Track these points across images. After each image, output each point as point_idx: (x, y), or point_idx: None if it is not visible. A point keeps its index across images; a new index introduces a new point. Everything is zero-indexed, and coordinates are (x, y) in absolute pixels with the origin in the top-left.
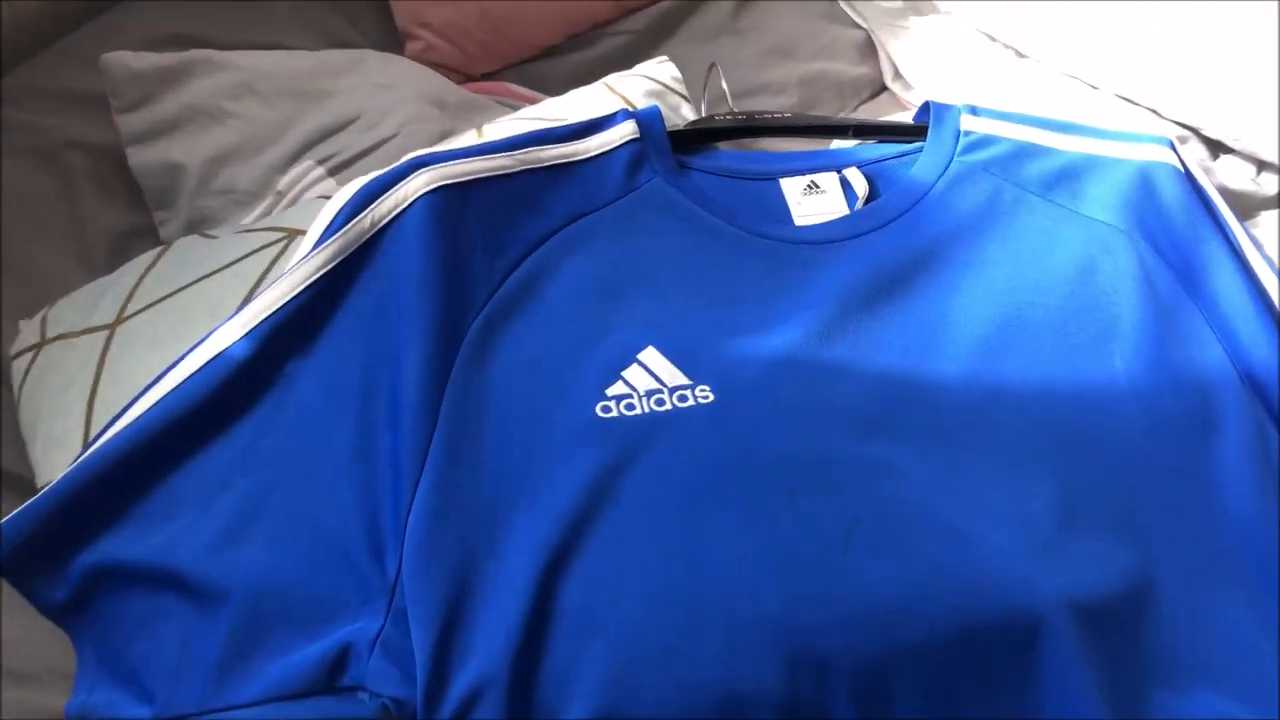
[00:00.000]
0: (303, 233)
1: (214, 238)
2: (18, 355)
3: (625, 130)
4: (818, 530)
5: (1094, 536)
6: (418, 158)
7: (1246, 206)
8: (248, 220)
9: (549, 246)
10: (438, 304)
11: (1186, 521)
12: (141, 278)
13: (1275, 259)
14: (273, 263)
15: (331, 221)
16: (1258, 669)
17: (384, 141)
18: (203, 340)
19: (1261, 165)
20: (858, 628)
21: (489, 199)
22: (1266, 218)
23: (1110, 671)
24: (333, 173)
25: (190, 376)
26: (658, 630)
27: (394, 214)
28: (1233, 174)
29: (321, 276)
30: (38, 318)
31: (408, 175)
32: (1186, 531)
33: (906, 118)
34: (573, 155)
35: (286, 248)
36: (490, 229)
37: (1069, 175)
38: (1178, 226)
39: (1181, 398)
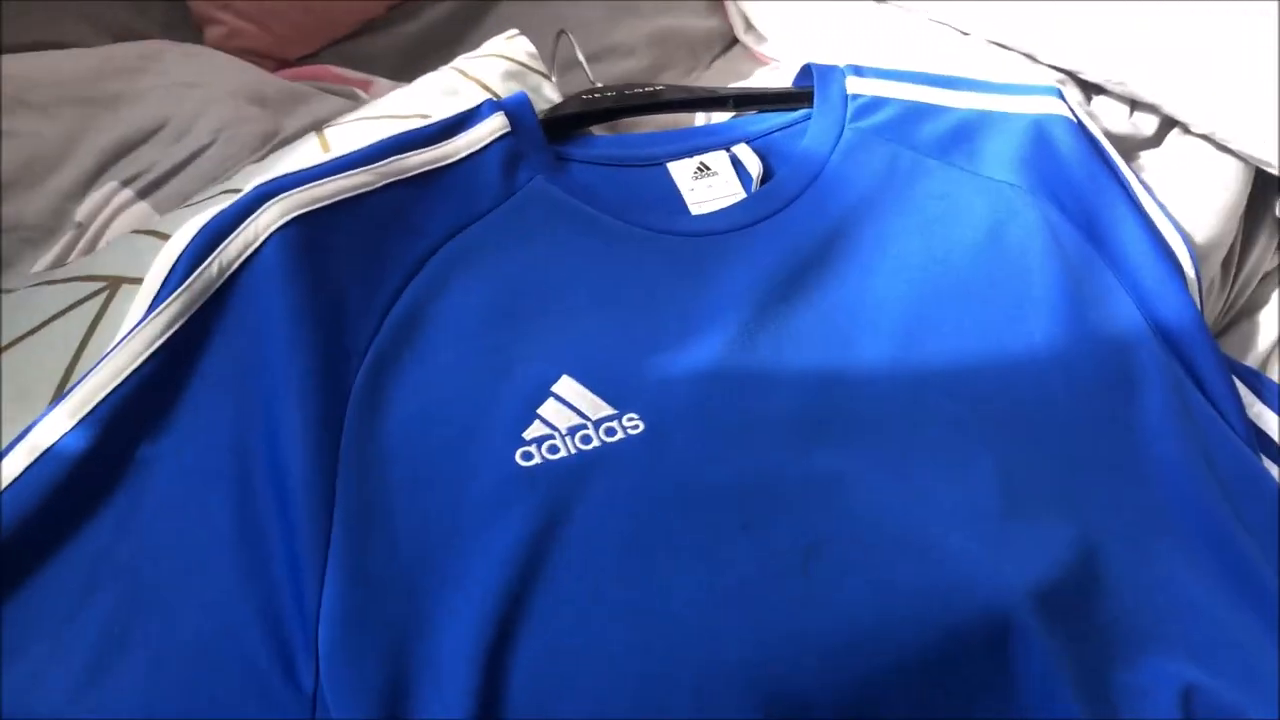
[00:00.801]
0: (129, 281)
1: (8, 292)
2: None
3: (494, 125)
4: (777, 562)
5: (1038, 518)
6: (262, 186)
7: (1125, 148)
8: (45, 261)
9: (430, 270)
10: (312, 356)
11: (1118, 485)
12: None
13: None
14: (94, 321)
15: (169, 272)
16: (1204, 628)
17: (200, 151)
18: (21, 436)
19: (1135, 105)
20: (833, 661)
21: (354, 224)
22: (1147, 158)
23: (1073, 656)
24: (143, 194)
25: (11, 484)
26: (621, 698)
27: (245, 256)
28: (1109, 116)
29: (166, 341)
30: None
31: (255, 208)
32: (1120, 496)
33: (766, 74)
34: (440, 160)
35: (111, 301)
36: (360, 260)
37: (963, 135)
38: (1077, 180)
39: (1100, 358)
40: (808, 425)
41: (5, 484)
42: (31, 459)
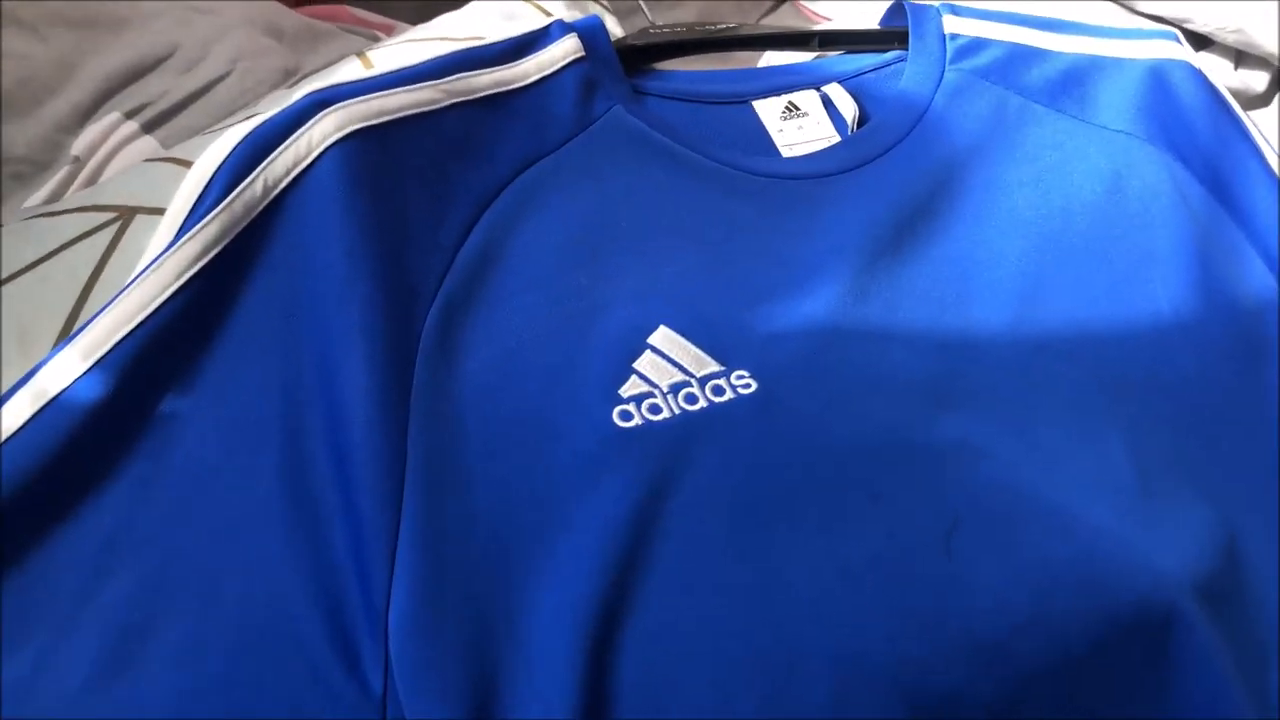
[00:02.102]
0: (146, 210)
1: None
2: None
3: (567, 47)
4: (913, 538)
5: (1178, 497)
6: (317, 93)
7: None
8: (39, 198)
9: (501, 205)
10: (376, 295)
11: (1251, 463)
12: None
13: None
14: (105, 254)
15: (205, 189)
16: None
17: (214, 83)
18: (25, 379)
19: (1240, 59)
20: (984, 657)
21: (419, 146)
22: (1257, 117)
23: (1235, 655)
24: (149, 128)
25: (13, 435)
26: (748, 695)
27: (297, 172)
28: (1214, 71)
29: (200, 271)
30: None
31: (308, 117)
32: (1253, 474)
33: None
34: (510, 82)
35: (124, 233)
36: (427, 187)
37: (1075, 80)
38: (1200, 132)
39: (1229, 324)
40: (929, 388)
41: (5, 436)
42: (37, 407)
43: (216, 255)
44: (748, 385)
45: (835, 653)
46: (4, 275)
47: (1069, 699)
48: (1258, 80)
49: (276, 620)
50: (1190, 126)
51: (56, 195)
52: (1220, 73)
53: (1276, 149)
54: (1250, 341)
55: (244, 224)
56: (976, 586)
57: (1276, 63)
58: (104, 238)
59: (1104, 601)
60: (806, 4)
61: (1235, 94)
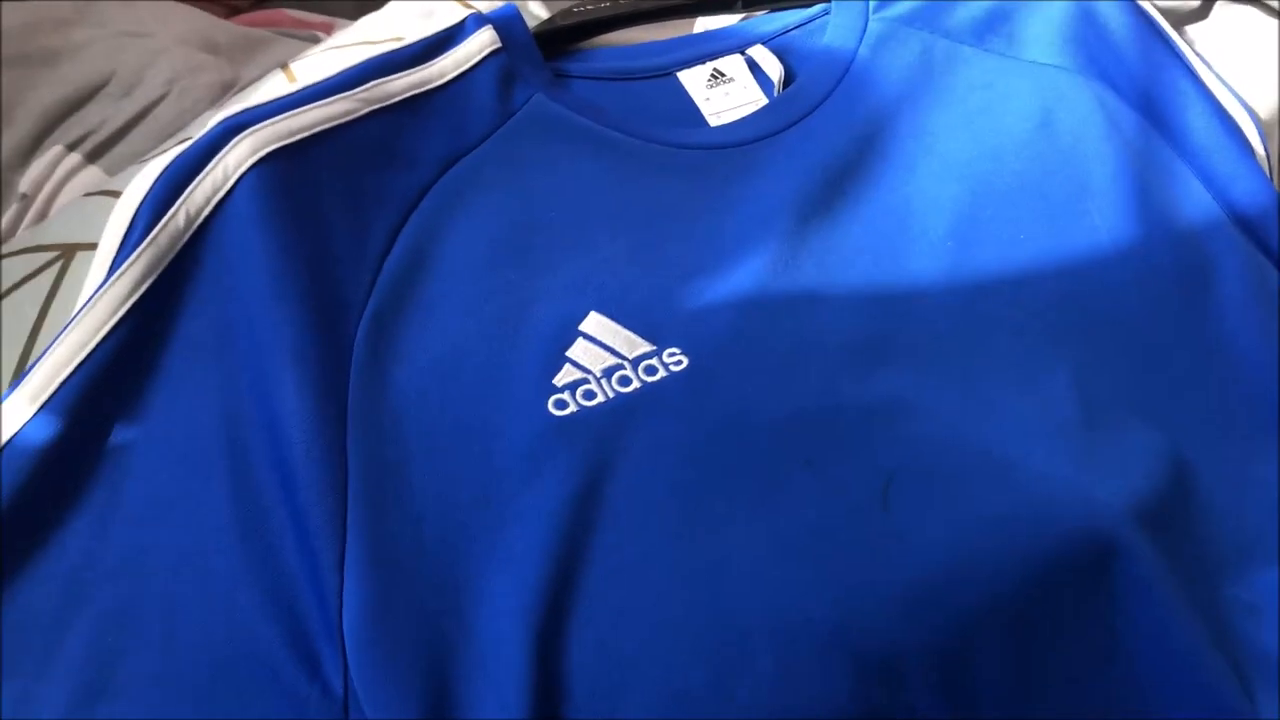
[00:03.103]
0: (83, 247)
1: None
2: None
3: (483, 40)
4: (848, 500)
5: (1121, 425)
6: (229, 119)
7: (1170, 23)
8: None
9: (425, 208)
10: (304, 312)
11: (1201, 386)
12: None
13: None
14: (50, 294)
15: (130, 225)
16: None
17: (152, 105)
18: None
19: None
20: (923, 607)
21: (337, 158)
22: (1194, 32)
23: (1179, 574)
24: (92, 157)
25: None
26: (696, 668)
27: (216, 200)
28: None
29: (133, 306)
30: None
31: (222, 145)
32: (1204, 397)
33: None
34: (427, 82)
35: (66, 270)
36: (348, 199)
37: (1000, 17)
38: (1131, 59)
39: (1170, 248)
40: (864, 347)
41: None
42: None
43: (147, 290)
44: (679, 362)
45: (778, 622)
46: None
47: (1016, 644)
48: None
49: (238, 637)
50: (1120, 54)
51: (8, 233)
52: None
53: (1210, 65)
54: (1193, 263)
55: (170, 257)
56: (912, 540)
57: None
58: (47, 278)
59: (1041, 541)
60: None
61: (1171, 11)
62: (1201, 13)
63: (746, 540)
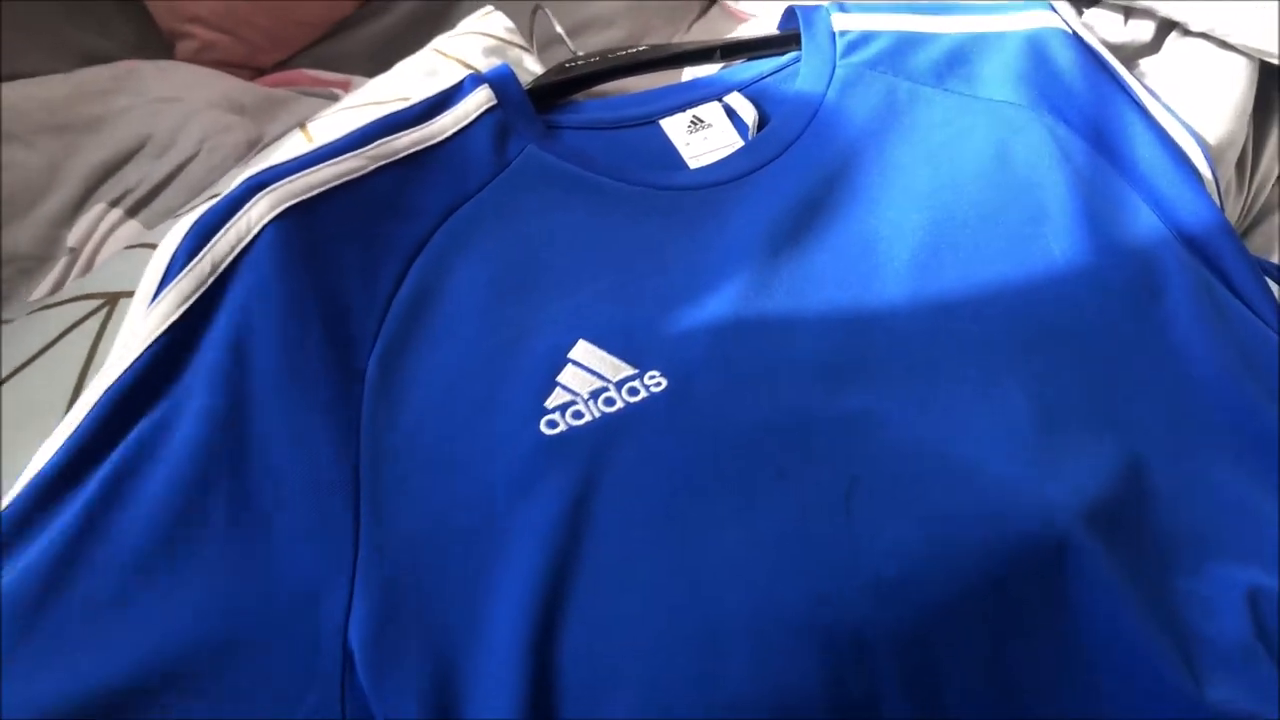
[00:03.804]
0: (126, 295)
1: (7, 321)
2: None
3: (480, 99)
4: (816, 505)
5: (1077, 434)
6: (252, 178)
7: (1124, 56)
8: (42, 290)
9: (430, 252)
10: (319, 351)
11: (1155, 393)
12: None
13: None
14: (97, 338)
15: (164, 274)
16: (1258, 529)
17: (185, 163)
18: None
19: (1129, 12)
20: (885, 599)
21: (348, 211)
22: (1147, 65)
23: (1131, 570)
24: (132, 213)
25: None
26: (680, 660)
27: (238, 250)
28: (1103, 26)
29: (162, 335)
30: None
31: (245, 201)
32: (1157, 403)
33: (746, 30)
34: (428, 139)
35: (110, 316)
36: (358, 246)
37: (958, 59)
38: (1079, 92)
39: (1121, 268)
40: (833, 366)
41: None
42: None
43: (172, 324)
44: (659, 384)
45: (753, 617)
46: (10, 369)
47: (973, 632)
48: (1144, 30)
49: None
50: (1069, 89)
51: (58, 284)
52: (1110, 27)
53: (1157, 96)
54: (1143, 280)
55: (195, 297)
56: (874, 540)
57: (1159, 14)
58: (94, 323)
59: (996, 538)
60: (733, 4)
61: (1125, 46)
62: (1154, 46)
63: (723, 544)
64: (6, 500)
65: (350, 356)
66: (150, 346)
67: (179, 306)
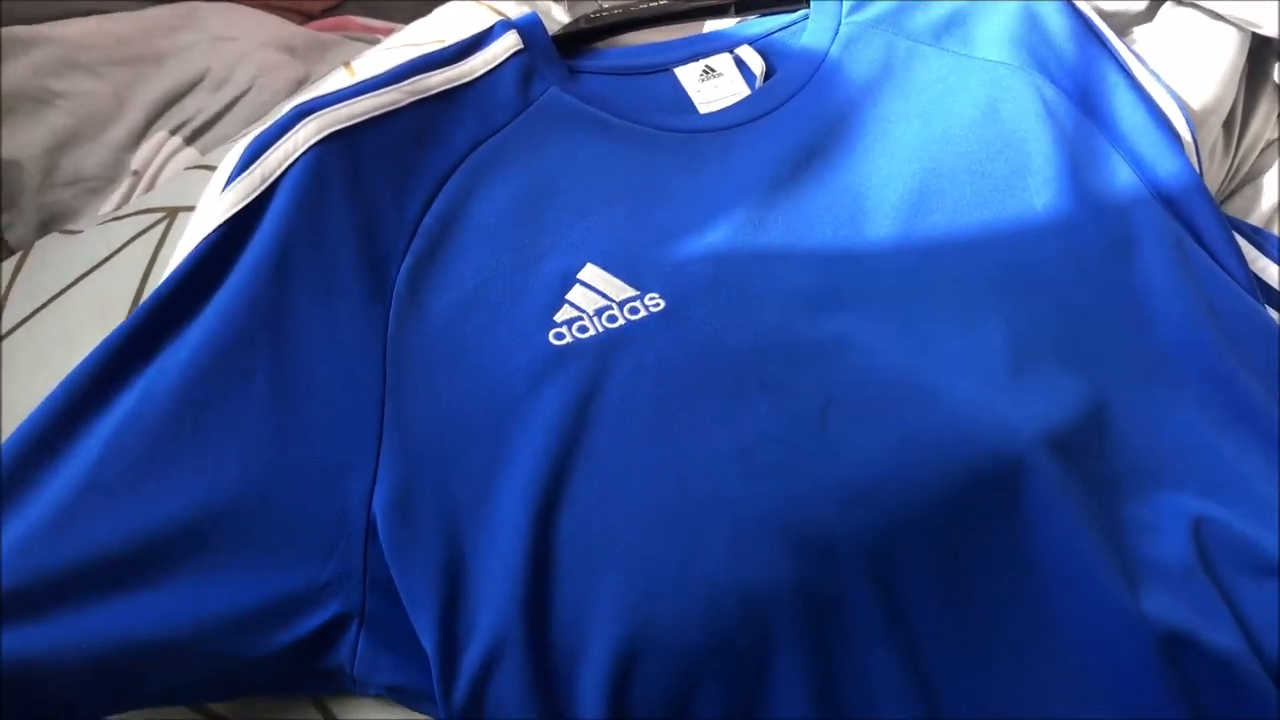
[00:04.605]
0: (184, 209)
1: (77, 232)
2: None
3: (508, 43)
4: (794, 417)
5: (1046, 370)
6: (301, 105)
7: (1119, 24)
8: (108, 207)
9: (457, 179)
10: (351, 263)
11: (1123, 336)
12: (6, 291)
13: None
14: (158, 246)
15: (225, 182)
16: (1211, 465)
17: (239, 97)
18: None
19: None
20: (852, 507)
21: (384, 139)
22: (1140, 33)
23: (1086, 495)
24: (190, 140)
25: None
26: (662, 545)
27: (285, 166)
28: None
29: (216, 229)
30: None
31: (293, 125)
32: (1125, 346)
33: None
34: (460, 78)
35: (170, 227)
36: (392, 171)
37: (956, 21)
38: (1068, 55)
39: (1098, 220)
40: (819, 295)
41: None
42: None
43: (225, 220)
44: (658, 304)
45: (731, 511)
46: (87, 268)
47: (934, 539)
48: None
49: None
50: (1059, 52)
51: (123, 202)
52: None
53: (1144, 61)
54: (1119, 233)
55: (245, 202)
56: (846, 452)
57: None
58: (156, 233)
59: (959, 455)
60: None
61: (1120, 14)
62: (1147, 15)
63: (708, 445)
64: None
65: (380, 270)
66: (206, 238)
67: (232, 208)
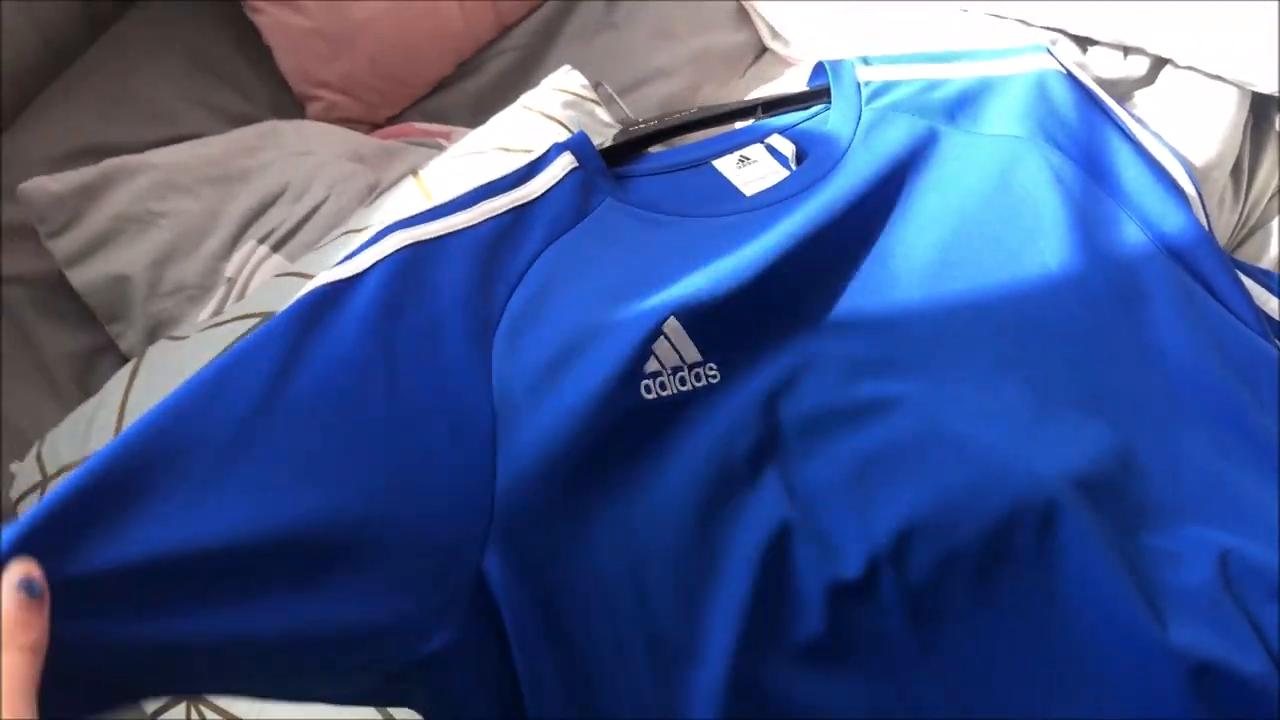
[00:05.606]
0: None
1: (183, 338)
2: (22, 498)
3: (564, 163)
4: (837, 477)
5: (1070, 416)
6: (387, 226)
7: (1122, 89)
8: (206, 312)
9: (538, 267)
10: (456, 324)
11: (1140, 382)
12: (126, 394)
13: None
14: None
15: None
16: (1232, 498)
17: (318, 206)
18: None
19: (1127, 49)
20: (891, 548)
21: (463, 246)
22: (1142, 96)
23: (1114, 532)
24: (277, 247)
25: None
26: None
27: (374, 261)
28: (1103, 63)
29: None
30: (30, 457)
31: (383, 237)
32: (1142, 391)
33: (795, 74)
34: (524, 198)
35: None
36: (475, 267)
37: (968, 101)
38: (1073, 124)
39: (1109, 275)
40: (855, 361)
41: None
42: None
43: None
44: (715, 376)
45: (770, 558)
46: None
47: (972, 579)
48: (1140, 65)
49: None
50: (1064, 121)
51: (218, 309)
52: (1110, 63)
53: (1145, 124)
54: (1130, 287)
55: (339, 278)
56: (884, 506)
57: (1149, 51)
58: None
59: (990, 504)
60: (783, 52)
61: (1123, 80)
62: (1149, 79)
63: (755, 502)
64: None
65: (485, 330)
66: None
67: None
